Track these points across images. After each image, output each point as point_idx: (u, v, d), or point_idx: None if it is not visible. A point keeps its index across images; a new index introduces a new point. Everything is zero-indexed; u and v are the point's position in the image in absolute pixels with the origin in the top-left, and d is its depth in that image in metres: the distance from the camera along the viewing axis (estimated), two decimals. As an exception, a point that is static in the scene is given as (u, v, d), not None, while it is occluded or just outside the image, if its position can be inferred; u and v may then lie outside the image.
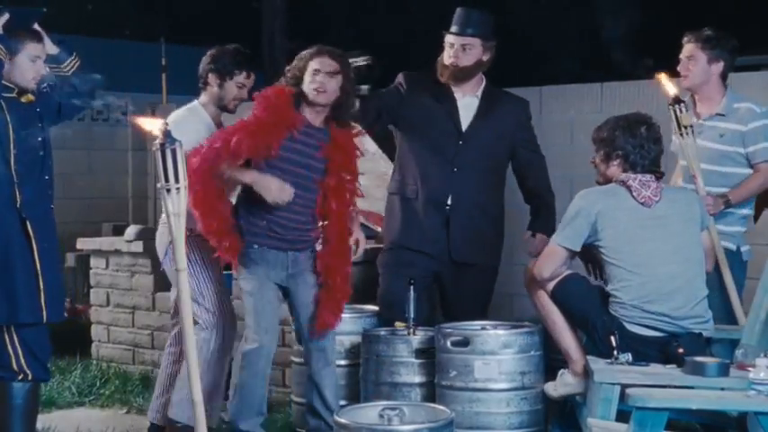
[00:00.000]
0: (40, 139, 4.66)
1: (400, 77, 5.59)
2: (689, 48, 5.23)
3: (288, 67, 4.94)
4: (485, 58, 5.46)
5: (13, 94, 4.60)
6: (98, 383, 6.51)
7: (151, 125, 4.05)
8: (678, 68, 5.27)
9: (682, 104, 5.07)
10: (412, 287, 5.13)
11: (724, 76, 5.26)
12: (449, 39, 5.44)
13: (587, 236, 4.55)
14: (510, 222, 7.68)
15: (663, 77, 5.24)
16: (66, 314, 4.86)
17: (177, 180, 3.95)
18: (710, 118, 5.21)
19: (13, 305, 4.48)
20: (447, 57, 5.43)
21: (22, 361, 4.52)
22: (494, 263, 5.59)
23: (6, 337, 4.52)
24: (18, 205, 4.53)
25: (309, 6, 16.21)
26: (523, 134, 5.61)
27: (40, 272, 4.54)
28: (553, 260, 4.63)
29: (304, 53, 4.92)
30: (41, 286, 4.54)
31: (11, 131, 4.55)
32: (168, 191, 3.97)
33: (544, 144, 7.76)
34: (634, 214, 4.50)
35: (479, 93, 5.53)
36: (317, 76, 4.82)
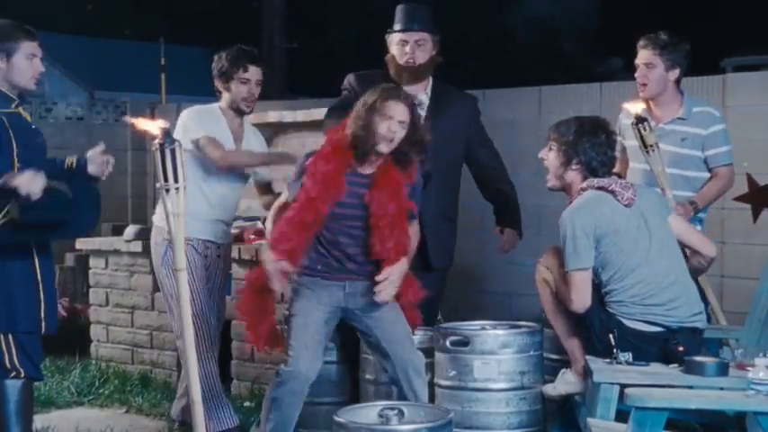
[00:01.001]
0: (41, 153, 4.64)
1: (351, 79, 5.39)
2: (645, 54, 5.21)
3: (357, 111, 4.56)
4: (434, 52, 5.33)
5: (12, 108, 4.52)
6: (97, 383, 6.51)
7: (152, 127, 4.05)
8: (636, 75, 5.27)
9: (645, 123, 5.07)
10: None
11: (678, 82, 5.28)
12: (399, 37, 5.28)
13: (594, 247, 4.53)
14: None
15: (625, 105, 5.27)
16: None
17: (176, 180, 3.95)
18: (671, 122, 5.23)
19: (11, 314, 4.48)
20: (401, 56, 5.25)
21: (15, 359, 4.51)
22: (449, 265, 5.55)
23: (1, 336, 4.52)
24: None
25: (309, 6, 16.23)
26: (477, 131, 5.48)
27: (40, 282, 4.56)
28: (583, 287, 4.52)
29: (374, 95, 4.55)
30: (42, 297, 4.55)
31: (14, 146, 4.48)
32: (167, 191, 3.97)
33: (542, 143, 7.77)
34: (623, 217, 4.49)
35: (428, 91, 5.37)
36: (392, 124, 4.50)
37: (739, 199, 6.60)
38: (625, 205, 4.50)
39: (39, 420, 5.51)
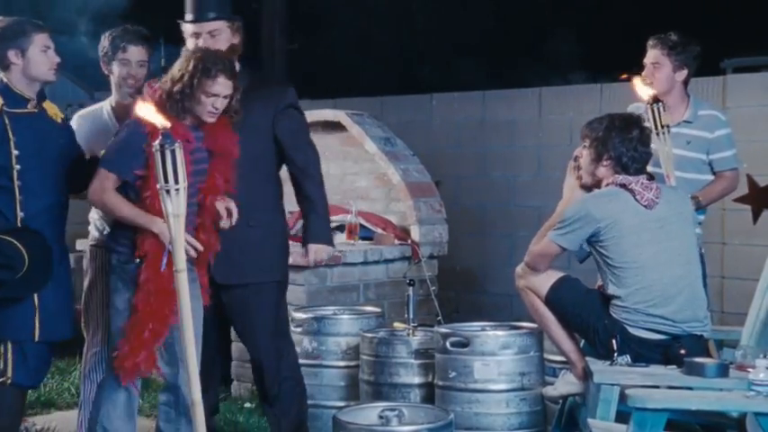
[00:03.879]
0: (59, 156, 4.51)
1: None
2: (654, 54, 5.22)
3: (175, 76, 4.35)
4: (235, 41, 4.76)
5: (29, 108, 4.45)
6: (97, 384, 6.50)
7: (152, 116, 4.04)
8: (643, 74, 5.26)
9: (660, 104, 5.05)
10: (411, 288, 5.13)
11: (686, 83, 5.28)
12: (191, 28, 4.75)
13: (587, 238, 4.53)
14: (510, 222, 7.70)
15: (637, 82, 5.23)
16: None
17: (177, 181, 3.95)
18: (677, 125, 5.23)
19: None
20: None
21: (10, 365, 4.41)
22: (272, 278, 4.80)
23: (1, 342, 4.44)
24: (19, 221, 4.37)
25: (309, 8, 16.22)
26: (284, 122, 4.78)
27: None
28: (549, 257, 4.60)
29: (191, 66, 4.34)
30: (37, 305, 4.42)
31: (12, 148, 4.37)
32: (168, 192, 3.96)
33: (543, 145, 7.77)
34: (637, 217, 4.47)
35: None
36: (216, 101, 4.33)
37: (739, 200, 6.59)
38: (644, 206, 4.49)
39: (39, 421, 5.52)
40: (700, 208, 5.14)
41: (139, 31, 4.99)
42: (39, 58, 4.44)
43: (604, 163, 4.55)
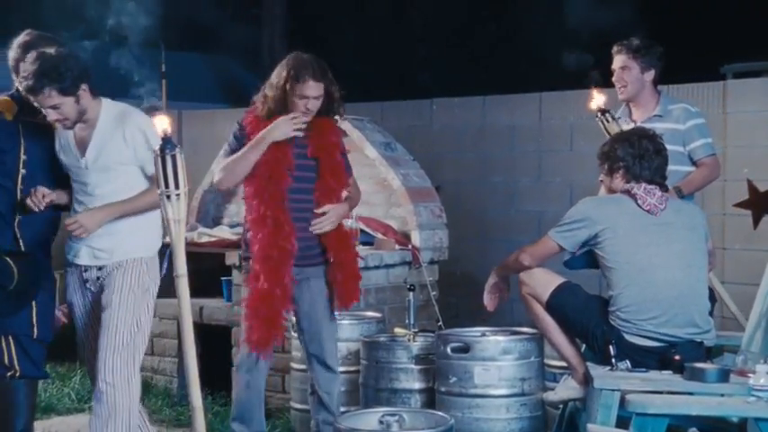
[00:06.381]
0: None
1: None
2: (621, 59, 5.39)
3: (266, 93, 4.70)
4: None
5: (38, 119, 4.52)
6: (97, 389, 6.50)
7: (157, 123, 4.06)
8: (613, 80, 5.42)
9: (607, 114, 5.26)
10: (412, 293, 5.12)
11: (656, 83, 5.44)
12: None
13: (586, 241, 4.55)
14: (510, 227, 7.69)
15: (595, 93, 5.39)
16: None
17: (177, 186, 3.95)
18: (648, 120, 5.36)
19: None
20: None
21: (14, 357, 4.55)
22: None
23: (2, 336, 4.57)
24: (16, 224, 4.58)
25: (308, 13, 16.25)
26: None
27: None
28: (546, 253, 4.66)
29: (282, 77, 4.66)
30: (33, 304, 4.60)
31: (21, 151, 4.55)
32: (168, 197, 3.96)
33: (543, 150, 7.76)
34: (637, 220, 4.49)
35: None
36: (308, 102, 4.64)
37: (740, 205, 6.60)
38: (646, 210, 4.51)
39: (39, 426, 5.50)
40: (682, 197, 5.19)
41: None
42: None
43: (616, 175, 4.63)
